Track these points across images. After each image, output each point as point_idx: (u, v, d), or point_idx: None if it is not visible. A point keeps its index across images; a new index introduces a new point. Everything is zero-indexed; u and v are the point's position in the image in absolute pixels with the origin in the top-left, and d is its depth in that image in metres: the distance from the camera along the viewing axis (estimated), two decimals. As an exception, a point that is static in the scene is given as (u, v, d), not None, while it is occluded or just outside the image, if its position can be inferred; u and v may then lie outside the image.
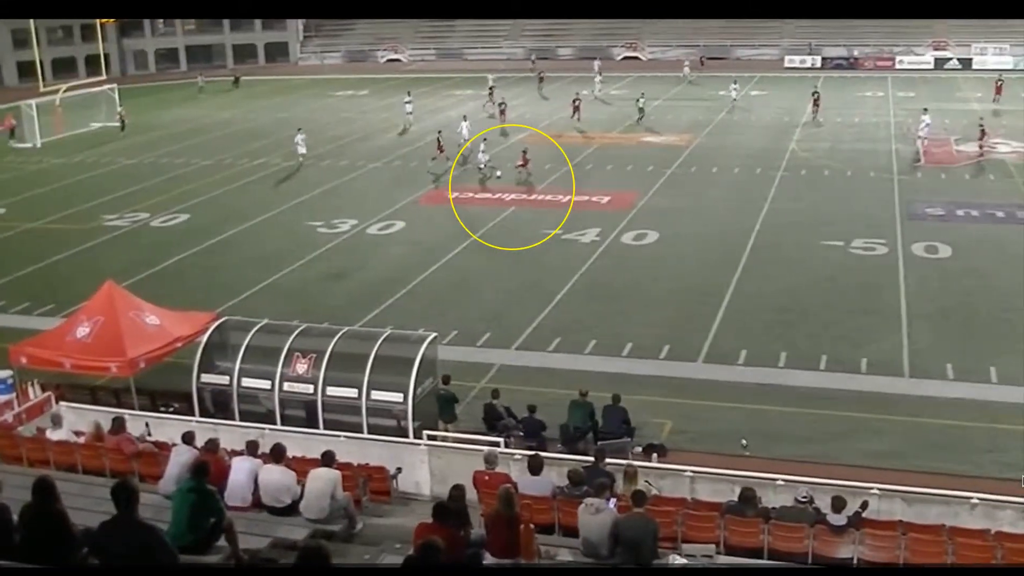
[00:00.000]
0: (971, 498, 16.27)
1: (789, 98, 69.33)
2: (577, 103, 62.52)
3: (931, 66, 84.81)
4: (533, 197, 42.82)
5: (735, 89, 66.88)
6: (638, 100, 60.41)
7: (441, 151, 48.69)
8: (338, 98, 77.55)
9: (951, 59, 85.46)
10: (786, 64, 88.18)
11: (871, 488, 16.23)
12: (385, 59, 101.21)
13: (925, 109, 49.95)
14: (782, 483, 16.49)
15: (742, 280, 31.66)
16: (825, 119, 59.09)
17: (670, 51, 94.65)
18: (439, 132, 50.83)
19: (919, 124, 49.78)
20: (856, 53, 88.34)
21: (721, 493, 16.43)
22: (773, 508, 15.16)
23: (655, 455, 19.90)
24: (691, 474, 17.26)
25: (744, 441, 20.75)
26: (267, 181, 48.10)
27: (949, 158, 48.75)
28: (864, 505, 15.32)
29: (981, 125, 47.27)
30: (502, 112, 62.01)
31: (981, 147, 45.30)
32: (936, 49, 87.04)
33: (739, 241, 35.42)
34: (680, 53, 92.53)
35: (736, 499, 15.08)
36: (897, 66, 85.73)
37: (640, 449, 20.26)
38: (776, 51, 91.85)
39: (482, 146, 47.09)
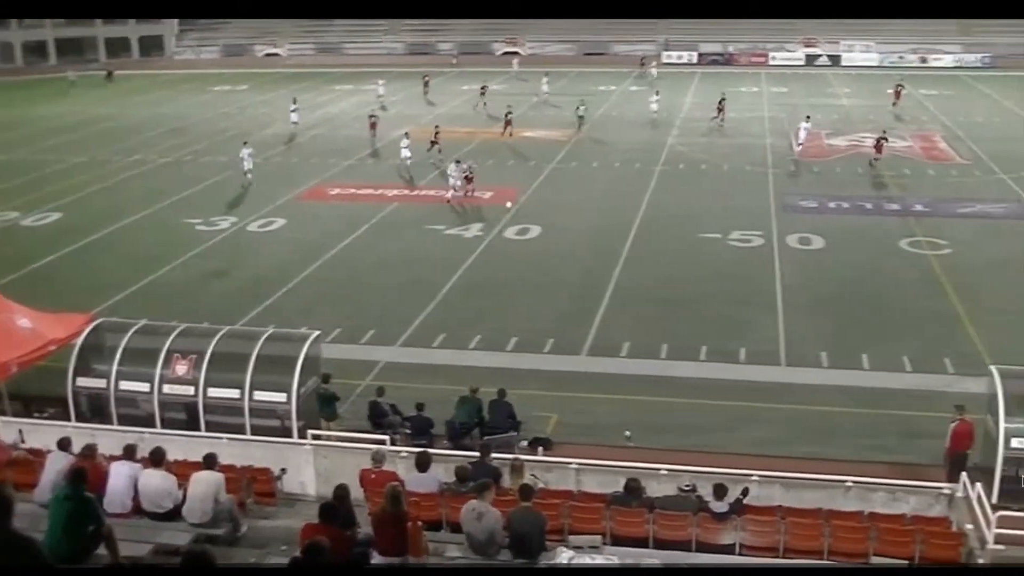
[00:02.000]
0: (845, 481, 16.78)
1: (666, 94, 70.31)
2: (483, 90, 64.41)
3: (802, 62, 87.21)
4: (415, 193, 42.69)
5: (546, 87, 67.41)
6: (578, 108, 57.73)
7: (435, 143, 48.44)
8: (216, 93, 76.07)
9: (821, 56, 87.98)
10: (663, 60, 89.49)
11: (751, 475, 16.62)
12: (263, 53, 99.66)
13: (808, 117, 51.11)
14: (666, 473, 16.76)
15: (623, 273, 32.08)
16: (702, 115, 60.17)
17: (549, 47, 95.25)
18: (436, 126, 50.44)
19: (799, 129, 50.42)
20: (731, 49, 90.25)
21: (607, 484, 16.61)
22: (657, 498, 15.40)
23: (541, 448, 20.06)
24: (577, 466, 17.44)
25: (628, 433, 21.03)
26: (144, 178, 46.94)
27: (821, 152, 50.14)
28: (745, 492, 15.67)
29: (883, 136, 47.29)
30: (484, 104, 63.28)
31: (877, 158, 45.69)
32: (807, 46, 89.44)
33: (620, 235, 35.88)
34: (558, 49, 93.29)
35: (621, 490, 15.27)
36: (770, 62, 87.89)
37: (526, 443, 20.40)
38: (653, 47, 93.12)
39: (405, 142, 46.39)
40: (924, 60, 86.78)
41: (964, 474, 17.18)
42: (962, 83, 75.81)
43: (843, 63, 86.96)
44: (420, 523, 12.67)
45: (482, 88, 66.27)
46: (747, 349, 26.10)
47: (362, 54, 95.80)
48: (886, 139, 46.35)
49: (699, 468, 16.79)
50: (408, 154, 46.11)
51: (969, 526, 15.22)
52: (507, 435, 20.18)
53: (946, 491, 16.72)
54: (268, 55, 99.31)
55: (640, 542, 14.55)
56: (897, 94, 61.80)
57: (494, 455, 16.68)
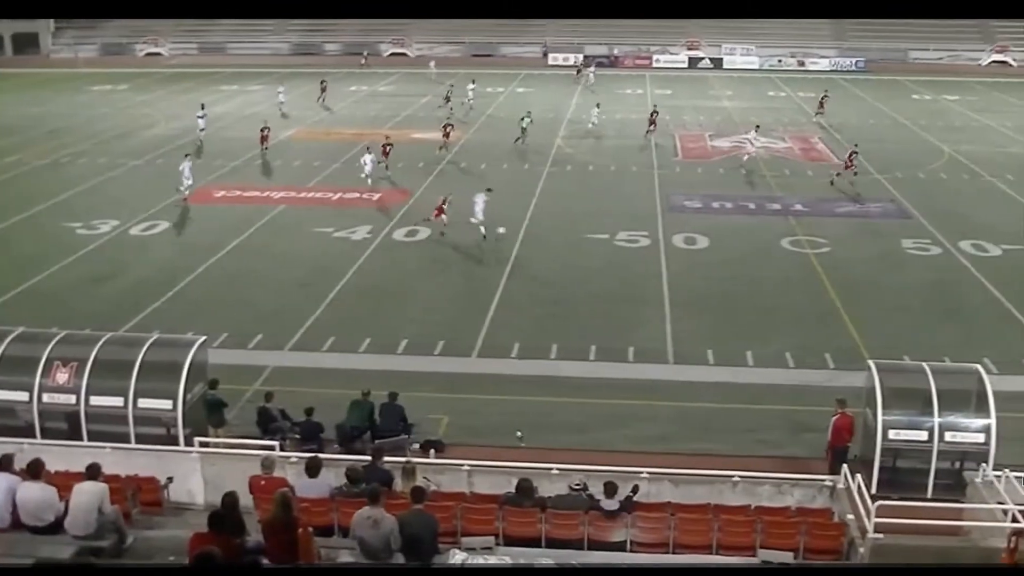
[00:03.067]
0: (732, 477, 17.12)
1: (554, 95, 71.02)
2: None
3: (685, 65, 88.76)
4: (302, 195, 42.21)
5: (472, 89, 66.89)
6: (522, 119, 55.10)
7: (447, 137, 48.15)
8: (95, 93, 73.99)
9: (703, 59, 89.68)
10: (550, 62, 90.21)
11: (641, 472, 16.83)
12: (144, 53, 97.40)
13: (757, 126, 52.21)
14: (557, 472, 16.87)
15: (513, 274, 32.22)
16: (587, 117, 60.70)
17: (437, 47, 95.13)
18: (449, 124, 50.12)
19: (750, 136, 50.71)
20: (616, 52, 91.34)
21: (499, 485, 16.64)
22: (549, 497, 15.49)
23: (433, 451, 20.02)
24: (469, 468, 17.45)
25: (519, 433, 21.11)
26: (21, 181, 45.46)
27: (705, 153, 51.10)
28: (635, 489, 15.86)
29: (853, 152, 44.81)
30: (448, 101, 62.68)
31: (846, 167, 44.11)
32: (690, 49, 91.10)
33: (509, 236, 36.02)
34: (446, 50, 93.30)
35: (513, 491, 15.33)
36: (654, 65, 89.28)
37: (418, 446, 20.34)
38: (539, 48, 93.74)
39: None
40: (802, 64, 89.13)
41: (845, 466, 17.66)
42: (838, 86, 77.95)
43: (725, 66, 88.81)
44: (311, 529, 12.55)
45: (449, 86, 66.30)
46: (635, 348, 26.45)
47: (247, 54, 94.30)
48: (857, 152, 44.68)
49: (590, 467, 16.93)
50: (370, 169, 43.30)
51: (850, 516, 15.66)
52: (398, 438, 20.11)
53: (828, 483, 17.19)
54: (149, 54, 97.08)
55: (533, 542, 14.63)
56: (821, 104, 62.05)
57: (386, 459, 16.59)
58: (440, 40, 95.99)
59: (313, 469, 15.12)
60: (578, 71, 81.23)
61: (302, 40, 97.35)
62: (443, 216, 35.64)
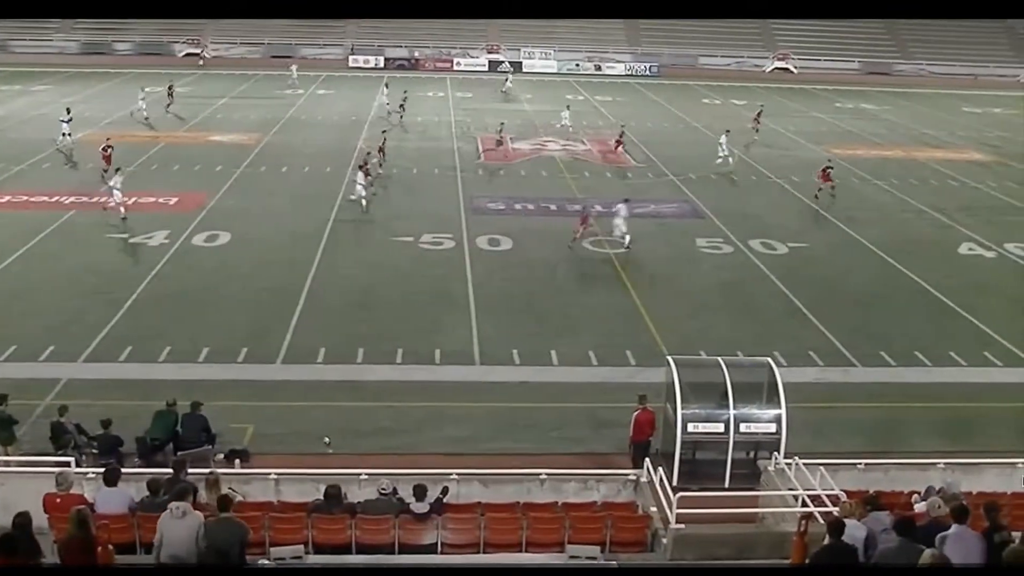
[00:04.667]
0: (540, 474, 17.41)
1: (355, 97, 70.54)
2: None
3: (486, 68, 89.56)
4: (94, 200, 40.50)
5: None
6: (467, 127, 55.68)
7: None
8: None
9: (504, 62, 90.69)
10: (350, 64, 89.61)
11: (451, 474, 16.91)
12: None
13: (727, 131, 52.75)
14: (366, 477, 16.78)
15: (317, 278, 31.83)
16: (390, 120, 60.66)
17: (234, 48, 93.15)
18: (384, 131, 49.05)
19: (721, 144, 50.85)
20: (417, 54, 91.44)
21: (307, 493, 16.46)
22: (359, 503, 15.41)
23: (238, 461, 19.58)
24: (276, 476, 17.16)
25: (327, 439, 20.88)
26: None
27: (506, 156, 51.73)
28: (445, 491, 15.93)
29: (828, 167, 45.00)
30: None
31: (825, 181, 44.37)
32: (490, 52, 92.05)
33: (312, 239, 35.58)
34: (244, 51, 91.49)
35: (322, 498, 15.18)
36: (455, 68, 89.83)
37: (222, 456, 19.87)
38: (340, 51, 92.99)
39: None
40: (599, 68, 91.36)
41: (647, 460, 18.23)
42: (633, 90, 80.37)
43: (524, 69, 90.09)
44: (111, 547, 12.10)
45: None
46: (442, 350, 26.55)
47: (31, 53, 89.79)
48: (831, 167, 44.99)
49: (399, 470, 16.86)
50: (363, 191, 39.88)
51: (653, 508, 16.18)
52: (202, 449, 19.55)
53: (632, 477, 17.68)
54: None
55: (343, 548, 14.51)
56: (756, 119, 61.59)
57: (189, 471, 16.13)
58: (238, 40, 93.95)
59: (111, 481, 14.59)
60: (506, 79, 79.40)
61: (91, 39, 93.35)
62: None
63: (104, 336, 26.77)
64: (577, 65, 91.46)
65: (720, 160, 49.45)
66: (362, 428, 22.25)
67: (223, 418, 21.11)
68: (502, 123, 56.01)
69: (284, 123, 59.21)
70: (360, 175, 40.12)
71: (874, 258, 36.01)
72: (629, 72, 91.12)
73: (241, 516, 13.78)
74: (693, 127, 62.96)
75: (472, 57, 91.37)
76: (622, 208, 36.28)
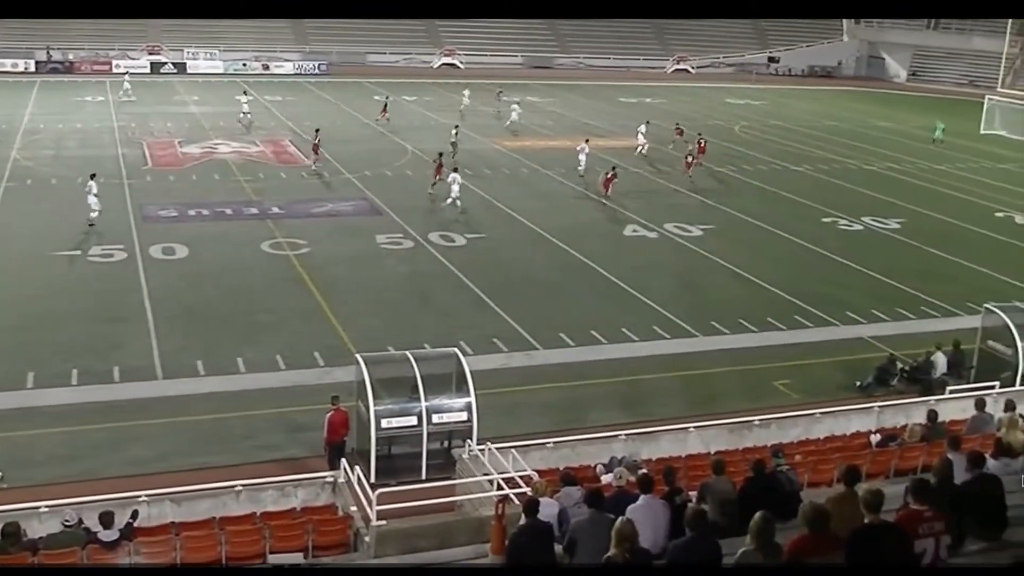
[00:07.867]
0: (235, 486, 16.98)
1: (6, 105, 65.55)
2: None
3: (148, 70, 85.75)
4: None
5: None
6: (453, 133, 52.60)
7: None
8: None
9: (166, 63, 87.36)
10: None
11: (139, 496, 16.18)
12: None
13: (647, 121, 55.22)
14: (46, 510, 15.75)
15: (-26, 301, 29.55)
16: (46, 126, 57.06)
17: None
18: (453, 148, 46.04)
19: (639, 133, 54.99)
20: (71, 56, 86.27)
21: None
22: (41, 538, 14.47)
23: None
24: (-59, 520, 15.80)
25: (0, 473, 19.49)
26: None
27: (176, 160, 49.95)
28: (134, 515, 15.27)
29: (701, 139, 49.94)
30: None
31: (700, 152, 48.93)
32: (151, 53, 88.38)
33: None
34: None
35: (-2, 537, 14.14)
36: (114, 70, 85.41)
37: None
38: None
39: None
40: (267, 67, 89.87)
41: (344, 460, 18.20)
42: (303, 89, 79.70)
43: (189, 71, 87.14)
44: None
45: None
46: (121, 367, 25.30)
47: None
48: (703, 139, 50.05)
49: (83, 499, 15.95)
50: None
51: (353, 508, 16.20)
52: None
53: (329, 479, 17.61)
54: None
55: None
56: (384, 109, 62.31)
57: None
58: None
59: None
60: (498, 94, 74.63)
61: None
62: None
63: None
64: (244, 65, 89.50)
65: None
66: (37, 457, 20.87)
67: None
68: (317, 129, 51.39)
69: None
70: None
71: (548, 244, 37.54)
72: (298, 71, 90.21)
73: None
74: (365, 124, 63.18)
75: (132, 58, 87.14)
76: (456, 176, 41.28)
